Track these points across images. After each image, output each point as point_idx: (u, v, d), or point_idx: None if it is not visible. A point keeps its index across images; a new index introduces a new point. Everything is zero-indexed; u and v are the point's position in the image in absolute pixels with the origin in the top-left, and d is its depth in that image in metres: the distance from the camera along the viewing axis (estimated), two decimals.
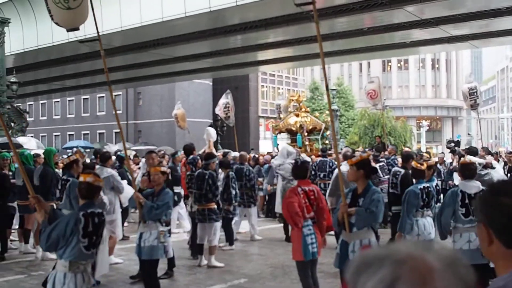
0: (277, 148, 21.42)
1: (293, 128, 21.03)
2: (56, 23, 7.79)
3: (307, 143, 20.71)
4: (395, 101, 70.31)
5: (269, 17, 17.40)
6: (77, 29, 7.73)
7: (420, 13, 17.11)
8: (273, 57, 26.55)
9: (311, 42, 20.74)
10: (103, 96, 57.70)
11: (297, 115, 21.21)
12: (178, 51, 23.64)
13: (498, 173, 12.58)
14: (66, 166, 8.97)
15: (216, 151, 16.26)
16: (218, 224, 10.02)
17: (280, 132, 22.15)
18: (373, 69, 73.93)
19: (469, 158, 7.74)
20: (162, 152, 19.60)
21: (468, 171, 6.84)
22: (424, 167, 8.03)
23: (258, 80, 62.05)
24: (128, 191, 9.66)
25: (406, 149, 21.22)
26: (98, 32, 7.25)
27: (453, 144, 15.20)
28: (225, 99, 21.12)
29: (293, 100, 22.79)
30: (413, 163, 8.13)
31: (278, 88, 65.33)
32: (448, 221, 6.61)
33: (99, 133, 59.48)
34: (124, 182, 10.23)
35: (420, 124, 63.74)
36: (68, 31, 7.99)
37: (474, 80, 19.43)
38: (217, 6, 16.34)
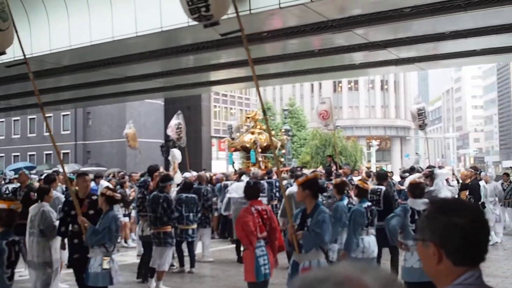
0: (233, 166, 21.43)
1: (248, 145, 21.12)
2: None
3: (260, 159, 20.79)
4: (346, 121, 71.43)
5: (222, 38, 17.41)
6: (4, 53, 7.56)
7: (368, 36, 17.44)
8: (226, 78, 26.53)
9: (262, 63, 20.85)
10: (50, 116, 56.52)
11: (252, 133, 21.35)
12: (129, 70, 23.38)
13: (442, 174, 12.89)
14: None
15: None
16: (172, 249, 9.88)
17: (235, 150, 22.19)
18: (324, 89, 74.99)
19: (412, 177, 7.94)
20: (122, 173, 19.36)
21: (418, 190, 7.03)
22: (369, 186, 8.21)
23: (211, 100, 62.05)
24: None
25: (363, 167, 21.57)
26: (24, 55, 7.09)
27: (407, 174, 15.53)
28: (177, 120, 21.03)
29: (248, 118, 22.91)
30: (359, 182, 8.26)
31: (231, 108, 65.46)
32: (395, 227, 6.79)
33: (46, 154, 57.90)
34: None
35: (370, 143, 64.82)
36: None
37: (422, 101, 19.93)
38: (169, 26, 16.23)
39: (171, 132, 20.97)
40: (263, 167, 20.13)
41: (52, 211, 8.19)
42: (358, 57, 21.18)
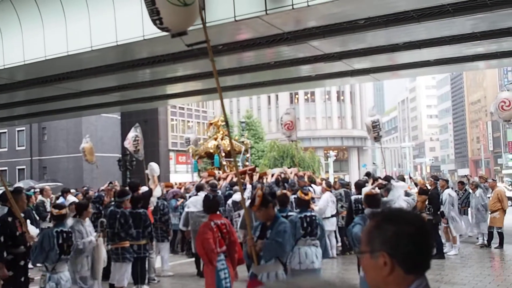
0: (198, 174, 21.37)
1: (211, 151, 21.13)
2: None
3: (224, 163, 20.81)
4: (303, 133, 71.82)
5: (178, 51, 17.36)
6: None
7: (324, 48, 17.62)
8: (182, 91, 26.43)
9: (219, 75, 20.85)
10: (5, 132, 55.31)
11: (215, 139, 21.38)
12: (85, 85, 23.08)
13: (398, 186, 13.07)
14: None
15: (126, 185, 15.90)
16: (130, 264, 9.72)
17: (200, 157, 22.17)
18: (281, 101, 75.45)
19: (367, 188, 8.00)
20: (86, 188, 19.17)
21: (374, 201, 7.13)
22: (308, 197, 8.23)
23: (168, 113, 61.65)
24: (33, 230, 9.25)
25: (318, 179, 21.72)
26: None
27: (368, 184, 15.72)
28: (134, 133, 20.81)
29: (211, 124, 22.95)
30: (298, 193, 8.28)
31: (188, 121, 65.15)
32: (358, 234, 6.77)
33: (1, 171, 56.72)
34: (28, 221, 9.76)
35: (328, 154, 65.36)
36: None
37: (376, 113, 20.19)
38: (124, 40, 16.09)
39: (128, 144, 20.74)
40: (228, 171, 20.12)
41: (81, 230, 8.09)
42: (314, 68, 21.37)
